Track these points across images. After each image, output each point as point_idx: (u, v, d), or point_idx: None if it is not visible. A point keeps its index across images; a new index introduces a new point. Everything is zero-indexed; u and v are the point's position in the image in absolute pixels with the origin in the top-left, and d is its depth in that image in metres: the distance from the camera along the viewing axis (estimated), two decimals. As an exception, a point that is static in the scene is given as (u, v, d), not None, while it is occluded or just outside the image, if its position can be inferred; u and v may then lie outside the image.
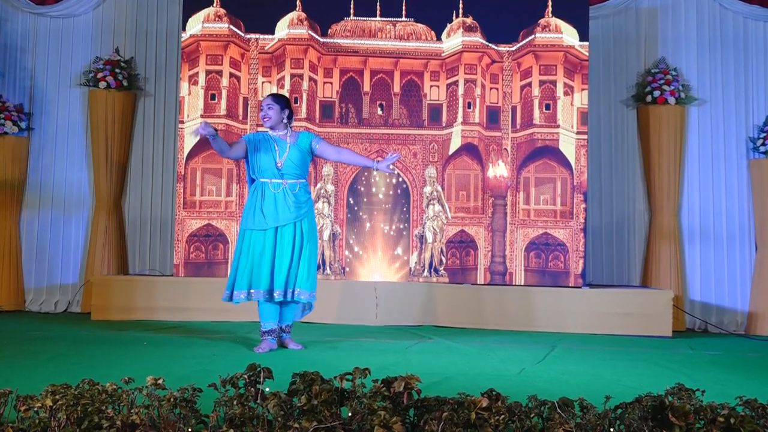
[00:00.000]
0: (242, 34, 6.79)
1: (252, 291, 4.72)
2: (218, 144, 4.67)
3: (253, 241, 4.73)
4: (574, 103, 6.67)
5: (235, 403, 2.44)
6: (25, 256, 7.31)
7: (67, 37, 7.43)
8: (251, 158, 4.82)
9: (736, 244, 7.05)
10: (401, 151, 6.74)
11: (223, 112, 6.75)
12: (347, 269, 6.67)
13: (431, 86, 6.78)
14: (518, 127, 6.72)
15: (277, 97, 4.90)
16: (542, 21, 6.72)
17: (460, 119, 6.73)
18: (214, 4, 6.81)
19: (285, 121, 4.85)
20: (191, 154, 6.72)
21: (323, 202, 6.67)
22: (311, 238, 4.79)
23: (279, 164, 4.74)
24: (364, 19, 6.84)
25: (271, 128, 4.84)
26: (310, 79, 6.77)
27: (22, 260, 7.30)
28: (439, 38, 6.79)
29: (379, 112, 6.80)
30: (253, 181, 4.88)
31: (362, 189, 6.76)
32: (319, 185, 6.68)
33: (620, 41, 7.27)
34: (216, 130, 4.62)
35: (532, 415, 2.46)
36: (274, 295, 4.69)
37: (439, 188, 6.71)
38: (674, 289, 6.60)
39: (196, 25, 6.79)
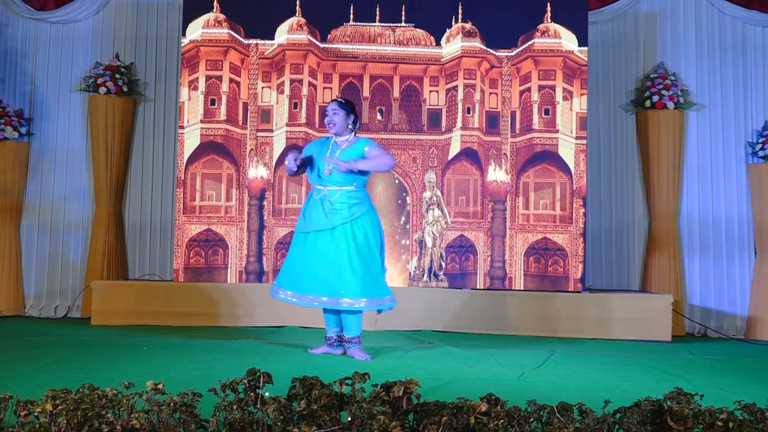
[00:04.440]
0: (242, 40, 6.80)
1: (287, 291, 4.78)
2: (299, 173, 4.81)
3: (297, 244, 4.81)
4: (573, 108, 6.69)
5: (234, 407, 2.45)
6: (25, 262, 7.31)
7: (68, 42, 7.45)
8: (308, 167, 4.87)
9: (735, 248, 7.05)
10: (401, 156, 6.76)
11: (222, 117, 6.77)
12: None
13: (431, 91, 6.79)
14: (517, 132, 6.73)
15: (342, 103, 4.79)
16: (541, 26, 6.74)
17: (459, 124, 6.74)
18: (214, 10, 6.83)
19: (350, 126, 4.77)
20: (191, 159, 6.73)
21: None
22: (360, 244, 4.66)
23: (326, 172, 4.69)
24: (364, 24, 6.86)
25: (336, 134, 4.78)
26: (310, 84, 6.78)
27: (22, 265, 7.30)
28: (438, 43, 6.81)
29: (379, 117, 6.81)
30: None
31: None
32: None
33: (619, 46, 7.29)
34: (300, 163, 4.69)
35: (531, 420, 2.46)
36: (309, 299, 4.70)
37: (439, 193, 6.72)
38: (674, 294, 6.59)
39: (196, 30, 6.80)
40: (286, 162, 4.68)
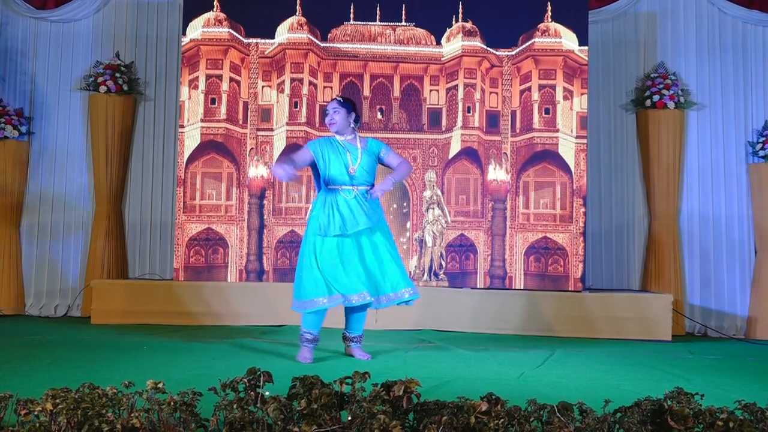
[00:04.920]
0: (242, 39, 6.80)
1: (328, 297, 4.49)
2: (290, 177, 4.51)
3: (329, 247, 4.53)
4: (573, 107, 6.69)
5: (234, 407, 2.45)
6: (25, 260, 7.31)
7: (68, 41, 7.45)
8: (320, 167, 4.65)
9: (736, 248, 7.05)
10: (401, 155, 6.75)
11: (223, 116, 6.76)
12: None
13: (431, 90, 6.79)
14: (518, 131, 6.73)
15: (343, 101, 4.71)
16: (541, 26, 6.74)
17: (459, 123, 6.74)
18: (215, 9, 6.82)
19: (352, 125, 4.68)
20: (191, 158, 6.73)
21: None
22: (390, 240, 4.72)
23: (351, 170, 4.58)
24: (364, 23, 6.86)
25: (337, 133, 4.67)
26: (310, 83, 6.78)
27: (23, 264, 7.30)
28: (438, 43, 6.81)
29: (379, 116, 6.81)
30: (319, 188, 4.71)
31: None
32: (318, 189, 6.68)
33: (619, 46, 7.29)
34: (294, 173, 4.48)
35: (531, 419, 2.46)
36: (353, 299, 4.47)
37: (439, 192, 6.72)
38: (674, 293, 6.60)
39: (196, 29, 6.80)
40: (281, 173, 4.41)
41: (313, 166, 4.72)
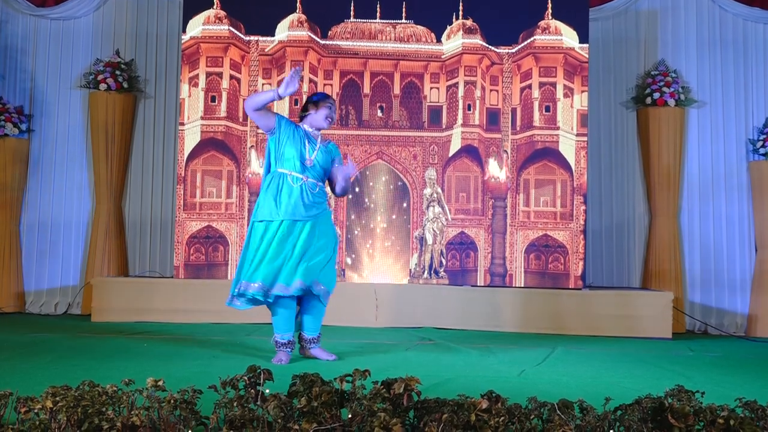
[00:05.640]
0: (242, 36, 6.79)
1: (263, 286, 4.30)
2: (264, 100, 4.41)
3: (266, 233, 4.39)
4: (573, 105, 6.68)
5: (235, 404, 2.44)
6: (26, 258, 7.31)
7: (68, 39, 7.44)
8: (277, 143, 4.49)
9: (736, 245, 7.05)
10: (401, 153, 6.76)
11: (223, 114, 6.76)
12: (347, 271, 6.67)
13: (431, 88, 6.79)
14: (518, 129, 6.73)
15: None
16: (542, 23, 6.73)
17: (460, 121, 6.74)
18: (215, 6, 6.82)
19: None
20: (191, 156, 6.73)
21: (323, 203, 6.66)
22: (329, 237, 4.48)
23: (308, 161, 4.44)
24: (364, 21, 6.85)
25: (319, 129, 4.55)
26: (310, 80, 6.78)
27: (23, 262, 7.30)
28: (439, 40, 6.80)
29: (379, 114, 6.80)
30: (267, 171, 4.54)
31: (362, 191, 6.77)
32: (319, 187, 6.67)
33: (620, 43, 7.28)
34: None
35: (531, 417, 2.46)
36: (288, 289, 4.30)
37: (439, 190, 6.72)
38: (674, 291, 6.59)
39: (196, 27, 6.79)
40: (289, 80, 4.32)
41: (270, 143, 4.53)
